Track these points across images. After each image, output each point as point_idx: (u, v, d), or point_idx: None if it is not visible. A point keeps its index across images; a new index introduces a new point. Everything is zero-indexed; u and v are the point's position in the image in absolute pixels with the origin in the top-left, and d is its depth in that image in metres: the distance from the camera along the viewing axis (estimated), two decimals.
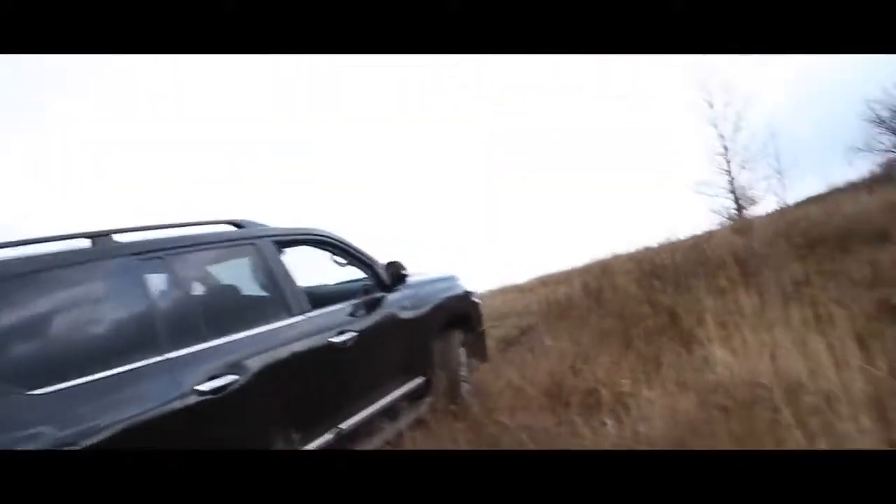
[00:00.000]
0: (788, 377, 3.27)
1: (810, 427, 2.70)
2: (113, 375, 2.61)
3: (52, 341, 2.62)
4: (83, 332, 2.73)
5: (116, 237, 3.01)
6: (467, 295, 5.42)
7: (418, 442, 3.72)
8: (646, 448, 3.00)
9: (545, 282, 10.28)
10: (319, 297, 4.71)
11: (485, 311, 9.26)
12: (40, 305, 2.65)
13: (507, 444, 3.43)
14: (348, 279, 4.73)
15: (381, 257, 4.56)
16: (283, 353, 3.34)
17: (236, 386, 2.98)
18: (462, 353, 5.10)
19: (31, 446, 2.26)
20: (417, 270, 5.45)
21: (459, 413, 4.17)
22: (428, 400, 4.42)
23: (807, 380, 3.06)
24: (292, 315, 3.54)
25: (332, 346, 3.63)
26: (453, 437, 3.85)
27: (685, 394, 3.55)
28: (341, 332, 3.74)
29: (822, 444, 2.43)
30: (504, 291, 10.95)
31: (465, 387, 5.01)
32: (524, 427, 3.60)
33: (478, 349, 5.43)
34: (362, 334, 3.90)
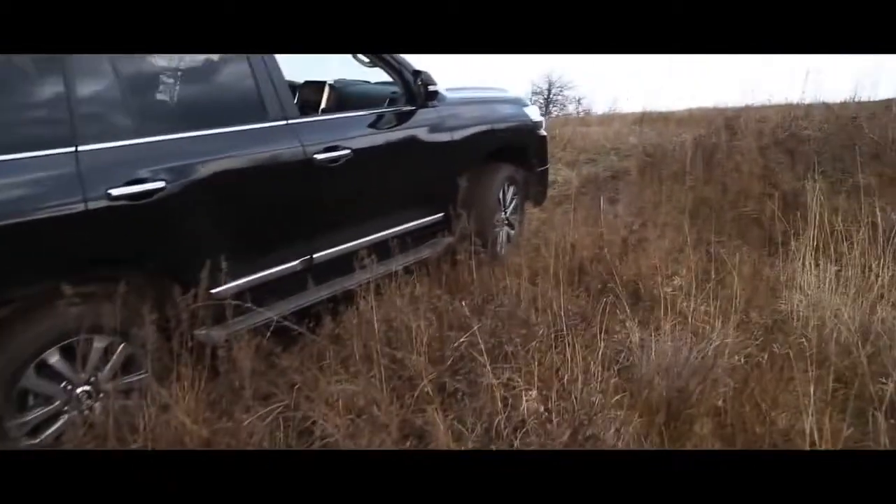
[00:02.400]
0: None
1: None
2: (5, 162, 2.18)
3: None
4: None
5: None
6: (531, 125, 4.47)
7: (401, 286, 3.17)
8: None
9: (674, 118, 8.83)
10: (343, 98, 4.06)
11: (589, 139, 8.28)
12: None
13: (486, 311, 2.84)
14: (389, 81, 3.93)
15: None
16: (235, 162, 2.77)
17: (163, 193, 2.48)
18: (510, 192, 4.36)
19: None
20: (478, 86, 4.56)
21: (465, 264, 3.53)
22: (446, 241, 3.81)
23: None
24: (267, 119, 2.91)
25: (310, 163, 3.00)
26: (438, 288, 3.30)
27: (726, 323, 2.72)
28: (331, 149, 3.09)
29: None
30: (624, 118, 9.63)
31: (505, 232, 4.37)
32: (509, 303, 2.95)
33: (534, 191, 4.62)
34: (361, 153, 3.23)
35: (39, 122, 2.33)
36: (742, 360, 2.67)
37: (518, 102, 4.51)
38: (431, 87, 3.59)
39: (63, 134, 2.31)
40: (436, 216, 3.77)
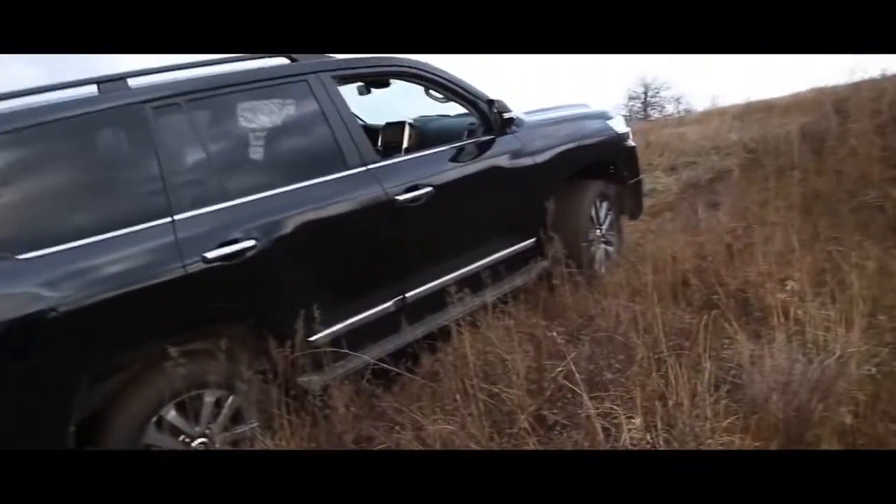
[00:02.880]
0: None
1: None
2: (112, 238, 2.38)
3: (47, 202, 2.40)
4: (84, 193, 2.48)
5: (133, 82, 2.62)
6: (616, 138, 4.33)
7: (498, 316, 3.13)
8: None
9: (779, 106, 8.26)
10: (423, 136, 4.11)
11: (688, 141, 7.90)
12: (35, 163, 2.41)
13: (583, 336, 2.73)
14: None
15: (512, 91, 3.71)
16: (320, 213, 2.86)
17: (255, 251, 2.61)
18: (603, 208, 4.24)
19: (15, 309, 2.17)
20: (554, 105, 4.49)
21: (562, 287, 3.44)
22: (539, 266, 3.74)
23: None
24: (347, 168, 2.99)
25: (394, 205, 3.05)
26: (535, 315, 3.23)
27: (850, 328, 2.48)
28: (412, 188, 3.13)
29: None
30: (725, 113, 9.12)
31: (603, 250, 4.24)
32: (607, 325, 2.83)
33: (628, 204, 4.47)
34: (443, 189, 3.25)
35: (139, 198, 2.52)
36: (873, 370, 2.42)
37: (601, 116, 4.39)
38: (506, 115, 3.57)
39: (160, 206, 2.49)
40: (526, 242, 3.73)
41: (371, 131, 4.26)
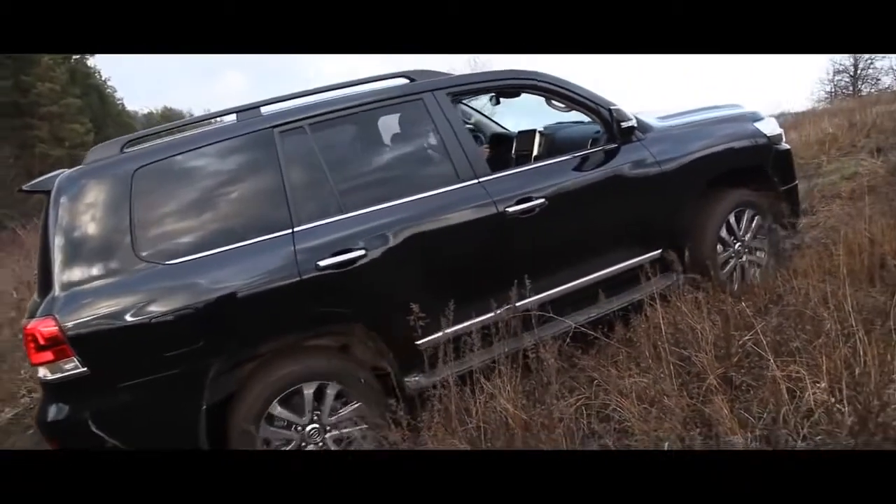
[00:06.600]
0: None
1: None
2: (240, 248, 2.82)
3: (186, 219, 2.90)
4: (214, 209, 2.95)
5: (265, 109, 3.07)
6: (764, 142, 4.02)
7: (689, 289, 3.38)
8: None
9: None
10: (553, 144, 4.18)
11: None
12: (178, 186, 2.92)
13: (771, 311, 2.93)
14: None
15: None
16: (428, 226, 3.09)
17: (364, 260, 2.93)
18: (746, 218, 3.93)
19: (162, 306, 2.69)
20: (697, 107, 4.22)
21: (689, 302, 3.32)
22: (670, 279, 3.60)
23: None
24: (459, 181, 3.19)
25: (503, 217, 3.19)
26: (724, 292, 3.44)
27: None
28: (523, 200, 3.23)
29: None
30: None
31: (742, 261, 3.94)
32: (796, 301, 3.00)
33: (782, 211, 3.87)
34: (556, 201, 3.32)
35: (267, 212, 2.95)
36: None
37: (746, 118, 4.14)
38: (625, 124, 3.54)
39: (282, 219, 2.91)
40: (646, 256, 3.61)
41: (507, 139, 4.51)
